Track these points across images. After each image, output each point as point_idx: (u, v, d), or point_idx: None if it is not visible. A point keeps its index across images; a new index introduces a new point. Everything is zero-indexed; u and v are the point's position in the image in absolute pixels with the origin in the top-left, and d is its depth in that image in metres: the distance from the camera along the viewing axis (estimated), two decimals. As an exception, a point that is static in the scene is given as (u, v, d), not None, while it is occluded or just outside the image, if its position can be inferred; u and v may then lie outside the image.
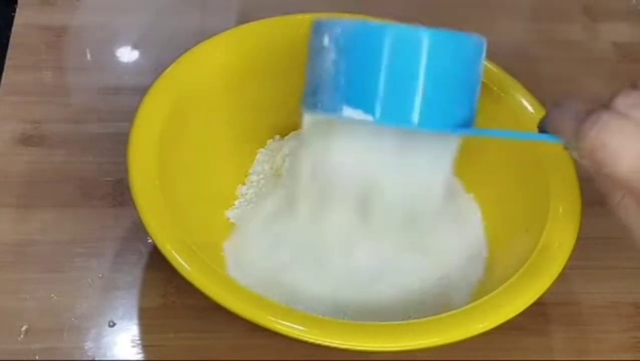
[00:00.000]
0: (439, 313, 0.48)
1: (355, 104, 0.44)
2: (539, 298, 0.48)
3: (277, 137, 0.61)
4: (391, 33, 0.43)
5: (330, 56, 0.44)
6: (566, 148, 0.45)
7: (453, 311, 0.48)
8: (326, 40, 0.44)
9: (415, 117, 0.44)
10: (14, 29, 0.70)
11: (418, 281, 0.53)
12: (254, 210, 0.56)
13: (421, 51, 0.43)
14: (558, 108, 0.43)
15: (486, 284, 0.52)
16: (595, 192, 0.53)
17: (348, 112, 0.44)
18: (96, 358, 0.52)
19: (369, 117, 0.44)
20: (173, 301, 0.54)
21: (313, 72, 0.46)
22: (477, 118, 0.60)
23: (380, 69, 0.43)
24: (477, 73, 0.46)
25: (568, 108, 0.42)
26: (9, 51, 0.69)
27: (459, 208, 0.57)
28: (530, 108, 0.57)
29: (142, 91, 0.55)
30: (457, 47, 0.45)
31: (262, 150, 0.61)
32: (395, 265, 0.53)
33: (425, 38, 0.43)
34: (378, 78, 0.43)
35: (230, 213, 0.57)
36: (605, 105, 0.40)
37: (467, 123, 0.46)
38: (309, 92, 0.46)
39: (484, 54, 0.46)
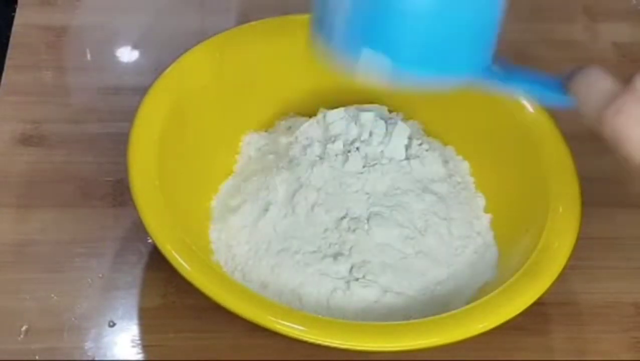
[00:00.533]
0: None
1: (375, 47, 0.42)
2: (539, 298, 0.48)
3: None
4: None
5: None
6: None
7: (453, 311, 0.48)
8: None
9: (439, 63, 0.43)
10: (14, 29, 0.70)
11: (421, 282, 0.53)
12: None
13: None
14: (585, 78, 0.42)
15: (489, 285, 0.52)
16: (595, 192, 0.53)
17: (366, 55, 0.42)
18: (96, 358, 0.52)
19: (389, 63, 0.42)
20: (173, 301, 0.54)
21: None
22: (476, 119, 0.60)
23: (402, 13, 0.41)
24: (499, 8, 0.43)
25: (595, 82, 0.41)
26: (9, 51, 0.68)
27: (468, 207, 0.58)
28: (530, 108, 0.57)
29: (142, 91, 0.55)
30: None
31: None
32: (397, 265, 0.53)
33: None
34: (399, 21, 0.41)
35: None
36: (630, 85, 0.40)
37: (486, 64, 0.44)
38: (321, 19, 0.44)
39: None
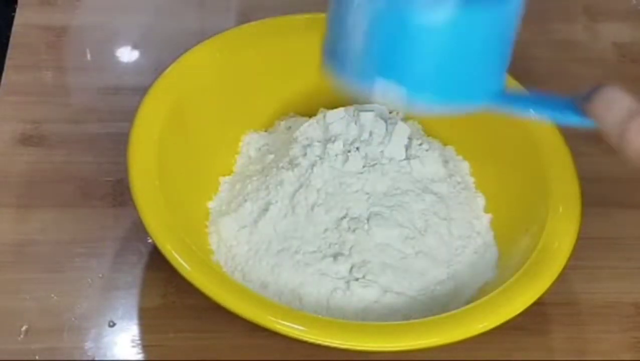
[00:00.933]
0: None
1: (389, 77, 0.42)
2: (539, 298, 0.48)
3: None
4: (432, 16, 0.40)
5: (362, 26, 0.41)
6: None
7: (453, 311, 0.48)
8: (355, 15, 0.41)
9: (454, 91, 0.43)
10: (14, 29, 0.70)
11: (421, 282, 0.53)
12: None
13: (463, 30, 0.41)
14: (603, 97, 0.41)
15: (489, 285, 0.52)
16: (595, 192, 0.53)
17: (381, 84, 0.42)
18: (96, 358, 0.52)
19: (404, 92, 0.42)
20: (173, 301, 0.54)
21: (339, 26, 0.42)
22: (476, 119, 0.60)
23: (416, 48, 0.41)
24: (512, 34, 0.44)
25: (614, 100, 0.41)
26: (9, 51, 0.69)
27: (468, 207, 0.58)
28: (530, 108, 0.57)
29: (142, 91, 0.55)
30: (499, 19, 0.43)
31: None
32: (397, 265, 0.53)
33: (469, 16, 0.41)
34: (413, 52, 0.41)
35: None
36: None
37: (500, 89, 0.44)
38: (333, 49, 0.43)
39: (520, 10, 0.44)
